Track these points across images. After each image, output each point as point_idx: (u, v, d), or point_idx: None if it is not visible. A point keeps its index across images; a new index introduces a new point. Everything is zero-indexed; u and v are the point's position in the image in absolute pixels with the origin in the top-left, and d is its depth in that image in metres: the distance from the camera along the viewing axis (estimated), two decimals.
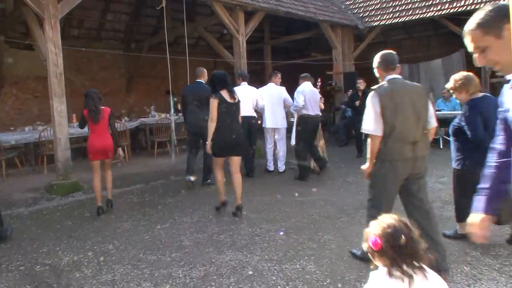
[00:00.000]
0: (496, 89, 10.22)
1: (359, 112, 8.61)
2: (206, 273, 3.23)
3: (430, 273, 1.42)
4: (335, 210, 4.73)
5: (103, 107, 5.00)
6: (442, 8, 10.03)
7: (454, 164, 3.67)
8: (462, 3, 9.74)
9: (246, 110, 6.77)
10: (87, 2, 9.92)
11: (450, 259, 3.28)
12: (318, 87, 6.77)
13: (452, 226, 3.84)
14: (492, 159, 1.69)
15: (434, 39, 12.86)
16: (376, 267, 1.48)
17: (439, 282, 1.42)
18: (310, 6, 10.25)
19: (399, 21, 10.84)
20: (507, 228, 3.91)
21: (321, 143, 6.87)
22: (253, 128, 6.91)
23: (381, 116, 2.96)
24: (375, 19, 11.29)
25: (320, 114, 6.65)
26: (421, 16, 10.43)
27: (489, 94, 3.61)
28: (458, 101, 3.70)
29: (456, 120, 3.61)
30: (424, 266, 1.41)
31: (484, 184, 1.68)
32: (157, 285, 3.09)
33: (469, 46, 1.49)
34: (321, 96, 6.75)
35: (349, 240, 3.80)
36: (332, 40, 10.89)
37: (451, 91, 3.62)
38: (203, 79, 6.35)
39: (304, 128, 6.44)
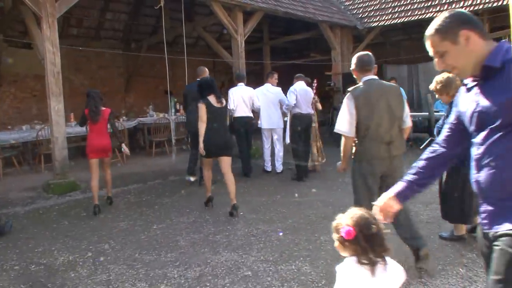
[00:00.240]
0: None
1: None
2: (201, 273, 3.22)
3: (390, 263, 1.53)
4: (332, 211, 4.72)
5: (103, 108, 5.11)
6: (441, 9, 10.02)
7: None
8: (461, 4, 9.74)
9: (243, 110, 6.81)
10: (86, 1, 9.94)
11: (445, 261, 3.28)
12: (314, 88, 6.77)
13: (448, 227, 3.83)
14: (429, 151, 1.74)
15: None
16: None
17: (397, 272, 1.53)
18: (309, 6, 10.24)
19: (398, 22, 10.84)
20: None
21: (318, 144, 6.87)
22: (250, 129, 6.92)
23: (356, 117, 3.04)
24: (374, 20, 11.28)
25: (312, 112, 6.66)
26: (420, 17, 10.42)
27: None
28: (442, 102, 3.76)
29: (440, 121, 3.68)
30: (386, 257, 1.52)
31: (411, 172, 1.74)
32: (152, 285, 3.08)
33: (429, 50, 1.53)
34: (315, 96, 6.75)
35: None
36: (331, 40, 10.89)
37: (434, 92, 3.70)
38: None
39: (297, 126, 6.48)
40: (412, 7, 10.74)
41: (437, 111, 9.25)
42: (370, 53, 3.25)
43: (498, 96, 1.34)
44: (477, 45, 1.43)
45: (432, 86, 3.68)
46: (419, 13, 10.49)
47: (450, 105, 3.49)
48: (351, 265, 1.52)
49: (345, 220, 1.54)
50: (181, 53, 7.82)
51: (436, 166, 1.72)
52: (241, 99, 6.76)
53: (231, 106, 6.74)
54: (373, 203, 1.73)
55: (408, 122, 3.23)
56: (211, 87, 4.84)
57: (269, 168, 7.14)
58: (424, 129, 8.83)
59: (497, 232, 1.39)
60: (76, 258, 3.65)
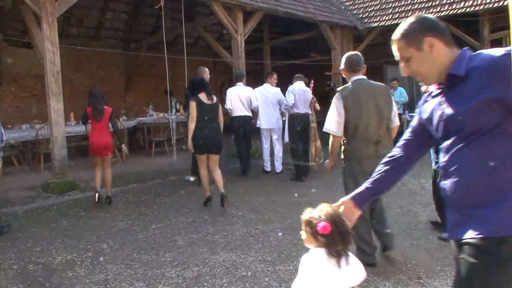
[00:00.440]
0: None
1: None
2: (199, 273, 3.22)
3: (352, 257, 1.64)
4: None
5: (105, 107, 5.25)
6: (442, 9, 10.01)
7: (434, 166, 3.83)
8: (462, 4, 9.72)
9: (240, 110, 6.85)
10: (86, 1, 9.94)
11: (444, 262, 3.27)
12: (311, 88, 6.79)
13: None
14: (388, 156, 1.74)
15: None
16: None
17: (359, 268, 1.63)
18: (309, 6, 10.23)
19: (399, 22, 10.72)
20: None
21: (317, 144, 6.87)
22: (248, 128, 6.94)
23: (345, 117, 3.13)
24: (374, 20, 11.27)
25: (310, 112, 6.67)
26: None
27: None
28: None
29: None
30: (349, 252, 1.63)
31: (372, 177, 1.74)
32: (150, 285, 3.07)
33: (396, 55, 1.52)
34: (313, 96, 6.77)
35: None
36: (331, 40, 10.87)
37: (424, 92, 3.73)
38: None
39: (295, 125, 6.50)
40: (412, 8, 10.73)
41: None
42: (359, 53, 3.32)
43: (463, 104, 1.33)
44: (441, 53, 1.42)
45: (424, 88, 3.73)
46: (420, 13, 10.47)
47: None
48: (320, 256, 1.61)
49: (319, 215, 1.62)
50: (181, 53, 7.82)
51: (395, 171, 1.71)
52: (238, 98, 6.80)
53: (227, 105, 6.80)
54: (333, 204, 1.72)
55: (396, 122, 3.31)
56: (202, 85, 5.01)
57: (268, 168, 7.14)
58: None
59: (460, 240, 1.38)
60: (74, 257, 3.65)
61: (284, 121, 7.04)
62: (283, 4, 9.32)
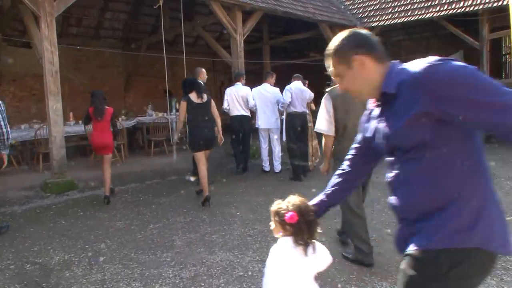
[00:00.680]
0: None
1: None
2: (196, 273, 3.21)
3: (318, 245, 1.75)
4: (329, 211, 4.70)
5: (106, 107, 5.42)
6: (441, 9, 10.01)
7: None
8: (461, 4, 9.72)
9: (237, 109, 6.90)
10: (86, 1, 9.93)
11: None
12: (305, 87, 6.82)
13: None
14: (340, 169, 1.76)
15: (434, 40, 12.85)
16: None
17: (325, 255, 1.76)
18: (309, 6, 10.22)
19: (398, 22, 10.82)
20: None
21: (314, 143, 6.87)
22: (246, 128, 6.97)
23: (334, 116, 3.24)
24: (374, 20, 11.27)
25: (307, 111, 6.68)
26: (420, 17, 10.41)
27: None
28: None
29: None
30: (315, 240, 1.74)
31: (326, 190, 1.78)
32: (147, 285, 3.07)
33: (329, 71, 1.50)
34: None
35: (341, 242, 3.78)
36: (330, 40, 10.84)
37: None
38: (200, 79, 6.36)
39: (292, 124, 6.52)
40: (412, 7, 10.73)
41: None
42: None
43: (398, 120, 1.31)
44: (371, 70, 1.39)
45: None
46: (419, 13, 10.47)
47: None
48: (287, 244, 1.71)
49: (287, 206, 1.72)
50: (180, 53, 7.83)
51: (347, 184, 1.73)
52: (234, 98, 6.85)
53: (224, 105, 6.92)
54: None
55: None
56: (192, 85, 5.24)
57: (267, 168, 7.14)
58: None
59: (406, 253, 1.37)
60: (71, 257, 3.64)
61: (282, 120, 7.06)
62: (283, 3, 9.32)
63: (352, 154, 1.71)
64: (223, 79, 14.55)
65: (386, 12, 11.22)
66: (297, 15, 9.52)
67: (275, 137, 7.08)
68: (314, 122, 7.28)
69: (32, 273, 3.34)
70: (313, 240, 1.72)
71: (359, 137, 1.68)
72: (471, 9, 9.45)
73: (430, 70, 1.23)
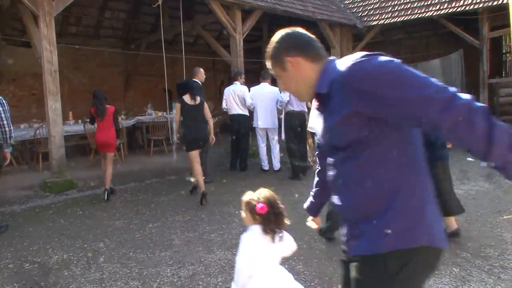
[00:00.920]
0: (494, 89, 10.20)
1: None
2: (194, 272, 3.22)
3: (285, 234, 1.95)
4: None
5: (108, 106, 5.58)
6: (441, 8, 10.00)
7: None
8: (461, 3, 9.70)
9: (234, 108, 6.97)
10: (85, 0, 9.93)
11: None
12: None
13: (446, 226, 3.81)
14: (317, 166, 1.77)
15: (434, 39, 12.82)
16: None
17: (290, 242, 1.99)
18: (308, 5, 10.21)
19: (398, 20, 10.81)
20: (498, 230, 3.91)
21: (309, 141, 6.89)
22: (243, 126, 7.01)
23: None
24: (374, 19, 11.26)
25: (306, 110, 6.70)
26: (420, 16, 10.40)
27: None
28: None
29: None
30: (283, 229, 1.93)
31: (312, 191, 1.83)
32: (145, 284, 3.07)
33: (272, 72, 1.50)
34: None
35: (338, 240, 3.78)
36: (330, 39, 10.86)
37: None
38: (197, 79, 6.41)
39: (290, 123, 6.54)
40: (412, 6, 10.72)
41: None
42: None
43: (332, 120, 1.30)
44: (306, 70, 1.38)
45: None
46: (419, 11, 10.46)
47: None
48: (257, 232, 1.89)
49: (258, 197, 1.91)
50: (180, 52, 7.83)
51: (324, 184, 1.68)
52: (231, 97, 6.92)
53: (223, 104, 7.05)
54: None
55: None
56: (185, 87, 5.52)
57: (266, 167, 7.15)
58: None
59: (351, 254, 1.37)
60: (70, 256, 3.65)
61: (280, 119, 7.07)
62: (282, 2, 9.31)
63: (318, 153, 1.72)
64: (223, 78, 14.54)
65: (386, 10, 11.21)
66: (296, 14, 9.51)
67: (274, 137, 7.09)
68: None
69: (31, 272, 3.35)
70: (280, 230, 1.90)
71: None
72: (471, 7, 9.43)
73: (355, 68, 1.21)
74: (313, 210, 1.87)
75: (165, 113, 9.77)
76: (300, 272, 3.14)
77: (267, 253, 1.88)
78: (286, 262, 3.31)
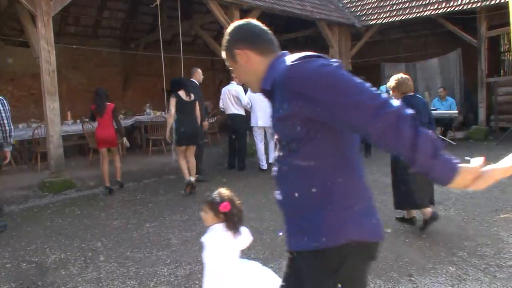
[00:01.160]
0: (492, 88, 10.21)
1: None
2: (191, 271, 3.23)
3: (243, 228, 2.11)
4: None
5: (108, 103, 5.73)
6: (439, 7, 10.00)
7: (391, 156, 4.07)
8: (459, 2, 9.70)
9: (229, 108, 7.03)
10: (83, 0, 9.93)
11: (436, 259, 3.28)
12: None
13: (442, 224, 3.83)
14: None
15: (432, 38, 12.84)
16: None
17: (247, 235, 2.14)
18: (306, 4, 10.21)
19: (396, 19, 10.81)
20: (495, 229, 3.92)
21: None
22: (239, 125, 7.04)
23: None
24: (372, 18, 11.26)
25: None
26: (418, 15, 10.40)
27: (418, 94, 4.18)
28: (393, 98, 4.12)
29: None
30: (241, 225, 2.09)
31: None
32: (142, 283, 3.08)
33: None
34: None
35: None
36: (329, 38, 10.86)
37: (389, 88, 4.10)
38: (195, 79, 6.44)
39: None
40: (410, 5, 10.72)
41: (434, 109, 9.24)
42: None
43: (275, 115, 1.34)
44: (254, 63, 1.40)
45: (389, 84, 4.08)
46: (417, 11, 10.46)
47: (400, 100, 3.86)
48: (220, 230, 2.06)
49: (221, 197, 2.06)
50: (179, 52, 7.83)
51: None
52: (227, 96, 6.98)
53: (220, 104, 7.16)
54: None
55: None
56: (180, 83, 5.74)
57: (264, 167, 7.14)
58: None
59: (291, 249, 1.40)
60: (68, 256, 3.66)
61: None
62: (280, 2, 9.31)
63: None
64: (222, 77, 14.52)
65: (384, 10, 11.21)
66: (294, 13, 9.52)
67: (269, 135, 7.12)
68: None
69: (28, 272, 3.36)
70: (240, 225, 2.07)
71: None
72: (469, 6, 9.44)
73: (294, 69, 1.24)
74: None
75: (163, 113, 9.77)
76: None
77: (231, 248, 2.05)
78: (283, 261, 3.32)
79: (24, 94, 10.47)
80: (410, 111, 1.17)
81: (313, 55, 1.27)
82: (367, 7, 11.68)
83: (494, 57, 10.96)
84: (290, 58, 1.29)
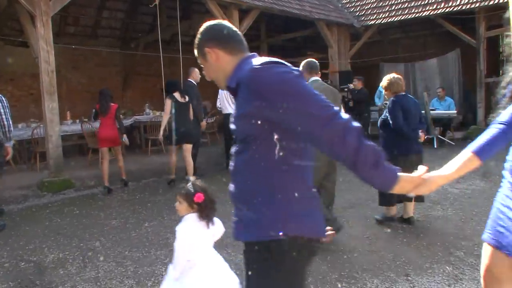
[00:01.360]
0: (491, 88, 10.22)
1: (359, 112, 8.64)
2: None
3: (216, 219, 2.22)
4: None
5: (112, 104, 5.88)
6: (438, 7, 10.01)
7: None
8: (458, 2, 9.72)
9: (225, 107, 7.14)
10: (83, 0, 9.93)
11: (433, 259, 3.29)
12: None
13: (440, 224, 3.84)
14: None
15: (431, 38, 12.84)
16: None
17: (219, 226, 2.27)
18: (305, 4, 10.22)
19: (395, 20, 10.82)
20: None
21: None
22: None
23: None
24: (371, 18, 11.27)
25: None
26: (417, 15, 10.42)
27: (409, 94, 4.32)
28: (387, 98, 4.35)
29: (384, 114, 4.18)
30: (214, 216, 2.21)
31: None
32: (140, 282, 3.09)
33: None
34: None
35: (334, 239, 3.80)
36: (328, 38, 10.87)
37: (382, 87, 4.29)
38: (192, 78, 6.47)
39: None
40: (409, 5, 10.73)
41: (433, 109, 9.26)
42: (316, 60, 3.93)
43: (237, 112, 1.41)
44: (223, 62, 1.48)
45: (381, 83, 4.22)
46: (416, 11, 10.47)
47: (392, 99, 4.12)
48: (193, 219, 2.15)
49: (195, 188, 2.17)
50: (178, 52, 7.82)
51: None
52: (224, 96, 7.06)
53: (217, 104, 7.28)
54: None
55: None
56: (175, 85, 6.04)
57: None
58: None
59: (237, 239, 1.47)
60: (66, 255, 3.67)
61: None
62: (279, 2, 9.32)
63: None
64: None
65: (383, 10, 11.22)
66: (293, 13, 9.52)
67: None
68: None
69: (26, 271, 3.37)
70: (213, 216, 2.17)
71: None
72: (468, 7, 9.45)
73: (257, 72, 1.33)
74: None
75: (162, 112, 9.77)
76: None
77: (204, 237, 2.14)
78: None
79: (24, 94, 10.48)
80: (357, 124, 1.27)
81: (278, 61, 1.36)
82: (366, 7, 11.69)
83: (493, 57, 10.96)
84: (256, 61, 1.37)
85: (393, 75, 4.17)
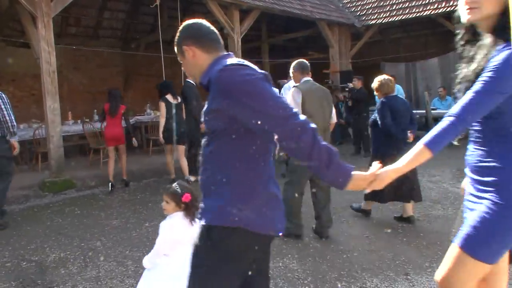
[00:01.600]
0: None
1: (358, 111, 8.63)
2: None
3: (197, 220, 2.19)
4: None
5: (121, 105, 6.08)
6: (439, 6, 10.01)
7: (372, 151, 4.40)
8: (459, 1, 9.70)
9: None
10: (84, 0, 9.97)
11: (433, 258, 3.29)
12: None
13: (440, 223, 3.85)
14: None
15: (432, 38, 12.83)
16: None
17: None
18: (306, 4, 10.23)
19: (396, 19, 10.82)
20: None
21: None
22: None
23: (302, 107, 3.60)
24: (372, 18, 11.27)
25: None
26: (418, 15, 10.41)
27: (400, 95, 4.47)
28: (378, 99, 4.42)
29: (374, 114, 4.35)
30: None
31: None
32: None
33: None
34: None
35: (334, 239, 3.81)
36: (329, 38, 10.88)
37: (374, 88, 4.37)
38: (190, 79, 6.46)
39: None
40: (410, 5, 10.73)
41: (434, 109, 9.25)
42: (306, 61, 4.00)
43: (207, 107, 1.50)
44: (199, 59, 1.58)
45: (372, 84, 4.32)
46: (417, 10, 10.47)
47: (382, 100, 4.23)
48: (179, 217, 2.28)
49: (182, 189, 2.30)
50: None
51: None
52: None
53: None
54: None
55: (334, 119, 4.01)
56: (167, 87, 6.25)
57: None
58: (422, 126, 8.83)
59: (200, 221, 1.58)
60: (67, 255, 3.69)
61: None
62: (280, 2, 9.33)
63: None
64: None
65: (384, 9, 11.22)
66: (294, 13, 9.53)
67: None
68: None
69: (28, 271, 3.39)
70: (196, 214, 2.14)
71: None
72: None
73: (225, 72, 1.43)
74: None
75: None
76: (294, 270, 3.17)
77: (186, 235, 2.20)
78: (280, 260, 3.35)
79: (25, 94, 10.52)
80: (313, 125, 1.37)
81: (244, 64, 1.46)
82: (367, 7, 11.69)
83: None
84: (227, 61, 1.47)
85: (383, 76, 4.29)
